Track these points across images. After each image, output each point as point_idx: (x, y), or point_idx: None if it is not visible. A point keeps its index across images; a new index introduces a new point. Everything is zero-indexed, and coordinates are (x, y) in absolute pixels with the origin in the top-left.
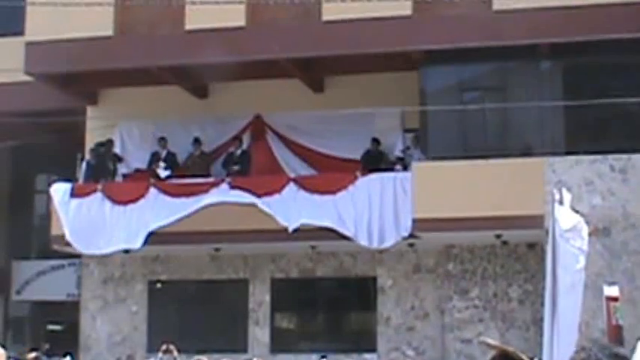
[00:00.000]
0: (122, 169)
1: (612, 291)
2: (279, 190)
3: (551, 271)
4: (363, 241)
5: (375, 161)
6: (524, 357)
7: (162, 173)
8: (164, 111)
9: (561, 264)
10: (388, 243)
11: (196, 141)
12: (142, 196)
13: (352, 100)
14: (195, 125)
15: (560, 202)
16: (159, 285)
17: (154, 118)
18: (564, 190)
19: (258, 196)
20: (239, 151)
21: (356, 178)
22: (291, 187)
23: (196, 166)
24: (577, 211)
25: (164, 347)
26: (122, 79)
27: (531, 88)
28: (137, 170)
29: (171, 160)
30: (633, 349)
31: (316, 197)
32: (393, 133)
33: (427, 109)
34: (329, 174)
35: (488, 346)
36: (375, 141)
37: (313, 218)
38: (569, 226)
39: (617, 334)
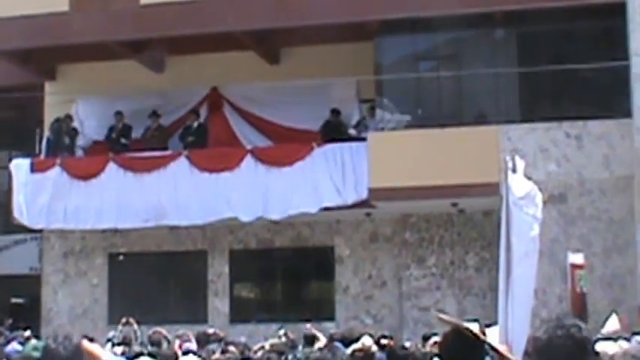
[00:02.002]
0: (81, 143)
1: (577, 258)
2: (237, 163)
3: (505, 239)
4: (321, 214)
5: (334, 132)
6: (478, 333)
7: (119, 145)
8: (122, 85)
9: (515, 232)
10: (346, 214)
11: (154, 114)
12: (102, 170)
13: (308, 71)
14: (153, 99)
15: (514, 170)
16: (121, 258)
17: (111, 92)
18: (517, 158)
19: (217, 171)
20: (196, 124)
21: (312, 148)
22: (249, 162)
23: (154, 139)
24: (530, 179)
25: (124, 320)
26: (79, 54)
27: (486, 57)
28: (95, 142)
29: (127, 134)
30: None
31: (273, 171)
32: (349, 103)
33: (382, 78)
34: (286, 145)
35: (442, 321)
36: (335, 111)
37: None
38: (522, 194)
39: (580, 301)
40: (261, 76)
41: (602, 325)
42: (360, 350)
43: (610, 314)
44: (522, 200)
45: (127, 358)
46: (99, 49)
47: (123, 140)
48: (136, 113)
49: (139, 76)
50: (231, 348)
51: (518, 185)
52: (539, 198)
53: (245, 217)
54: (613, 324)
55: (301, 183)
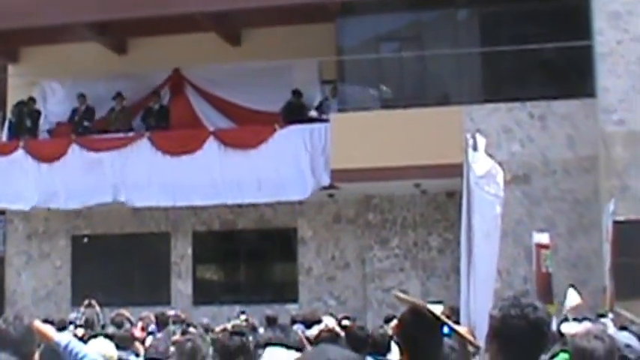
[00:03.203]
0: (45, 125)
1: (542, 238)
2: (199, 145)
3: (467, 219)
4: (284, 196)
5: (296, 113)
6: (436, 313)
7: (82, 126)
8: (85, 68)
9: (477, 211)
10: (309, 195)
11: (118, 96)
12: (65, 152)
13: (270, 52)
14: (116, 81)
15: (475, 148)
16: (85, 240)
17: (75, 75)
18: (478, 136)
19: (179, 153)
20: (157, 106)
21: (275, 130)
22: (212, 144)
23: (118, 121)
24: (491, 156)
25: (86, 302)
26: (42, 36)
27: (448, 38)
28: (59, 124)
29: (90, 115)
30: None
31: (236, 154)
32: (311, 84)
33: (344, 59)
34: (248, 127)
35: (400, 301)
36: (296, 93)
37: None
38: (483, 172)
39: (546, 281)
40: (223, 58)
41: (563, 302)
42: (327, 330)
43: (567, 289)
44: (483, 179)
45: (82, 339)
46: (62, 31)
47: (85, 122)
48: (99, 95)
49: (102, 59)
50: (192, 329)
51: (480, 164)
52: (500, 177)
53: (208, 201)
54: (574, 299)
55: (265, 166)
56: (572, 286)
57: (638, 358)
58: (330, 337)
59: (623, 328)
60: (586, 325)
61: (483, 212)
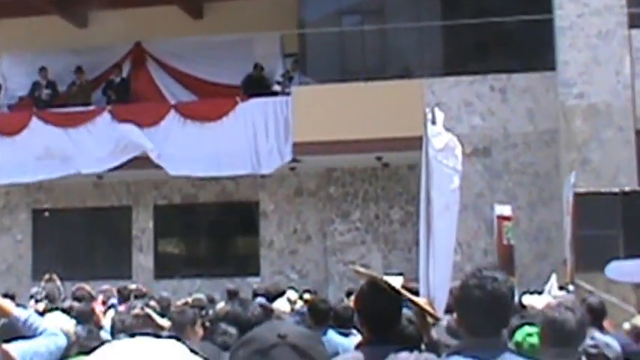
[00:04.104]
0: (5, 99)
1: (504, 210)
2: (161, 118)
3: (425, 193)
4: (246, 169)
5: (257, 86)
6: (394, 286)
7: (44, 98)
8: (46, 41)
9: (435, 185)
10: (271, 168)
11: (78, 70)
12: (25, 125)
13: (232, 26)
14: (77, 54)
15: (433, 122)
16: (46, 213)
17: (36, 48)
18: (437, 110)
19: (141, 126)
20: (118, 79)
21: (236, 103)
22: (174, 117)
23: (79, 94)
24: (450, 130)
25: (47, 276)
26: (2, 9)
27: (410, 11)
28: (21, 98)
29: (52, 89)
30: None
31: (197, 126)
32: (273, 58)
33: (306, 32)
34: (209, 100)
35: (358, 274)
36: (257, 66)
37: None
38: (441, 146)
39: (507, 253)
40: (185, 31)
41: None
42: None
43: (550, 274)
44: (442, 152)
45: (38, 313)
46: (22, 3)
47: (46, 95)
48: (60, 69)
49: (63, 32)
50: (152, 303)
51: (438, 138)
52: (458, 150)
53: (172, 172)
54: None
55: (226, 139)
56: (554, 271)
57: (617, 357)
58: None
59: (583, 300)
60: (546, 298)
61: (442, 185)
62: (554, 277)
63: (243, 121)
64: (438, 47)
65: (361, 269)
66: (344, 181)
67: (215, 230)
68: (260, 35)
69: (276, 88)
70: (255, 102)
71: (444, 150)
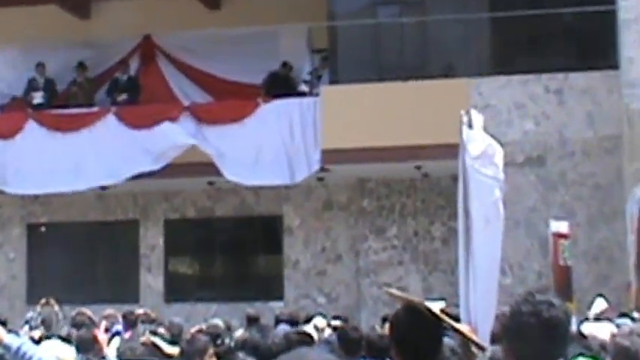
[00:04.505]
0: None
1: (560, 226)
2: (172, 121)
3: (463, 205)
4: (268, 179)
5: (281, 86)
6: (434, 311)
7: (37, 100)
8: (43, 34)
9: (473, 196)
10: (297, 178)
11: (80, 66)
12: (20, 129)
13: (253, 17)
14: (78, 49)
15: (470, 126)
16: (42, 229)
17: (31, 42)
18: (473, 112)
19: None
20: (125, 77)
21: (257, 105)
22: (187, 120)
23: (80, 94)
24: (494, 136)
25: (43, 300)
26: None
27: (454, 2)
28: (14, 98)
29: (49, 88)
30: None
31: (213, 130)
32: (300, 54)
33: (336, 24)
34: (227, 101)
35: (394, 297)
36: (286, 65)
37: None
38: (478, 152)
39: (564, 276)
40: (200, 23)
41: (589, 308)
42: (297, 333)
43: (595, 298)
44: (478, 160)
45: (33, 341)
46: None
47: (42, 96)
48: (59, 65)
49: (63, 24)
50: (162, 330)
51: (475, 143)
52: (499, 157)
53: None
54: (601, 305)
55: (247, 145)
56: (601, 295)
57: None
58: (301, 340)
59: None
60: (610, 326)
61: (481, 197)
62: (599, 302)
63: (265, 126)
64: (485, 42)
65: (397, 292)
66: (379, 194)
67: (233, 248)
68: (285, 28)
69: (303, 87)
70: (279, 103)
71: (481, 157)
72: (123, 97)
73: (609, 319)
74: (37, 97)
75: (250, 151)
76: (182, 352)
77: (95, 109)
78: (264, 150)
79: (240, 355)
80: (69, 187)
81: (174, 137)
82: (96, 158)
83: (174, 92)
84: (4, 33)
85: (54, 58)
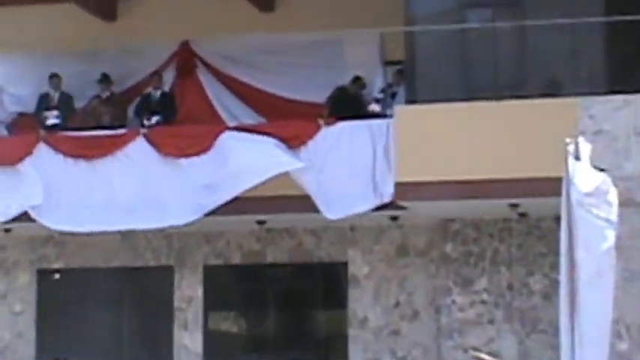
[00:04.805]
0: (1, 116)
1: None
2: (212, 144)
3: (568, 253)
4: (330, 213)
5: (347, 105)
6: None
7: (51, 121)
8: (59, 38)
9: (581, 242)
10: (359, 209)
11: (104, 78)
12: (28, 154)
13: (313, 21)
14: (102, 58)
15: (577, 157)
16: (57, 275)
17: (44, 48)
18: (582, 140)
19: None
20: (159, 93)
21: (318, 127)
22: (230, 144)
23: (104, 112)
24: (603, 170)
25: None
26: None
27: (559, 3)
28: (21, 115)
29: (66, 105)
30: None
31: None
32: (370, 65)
33: (416, 29)
34: (281, 122)
35: None
36: (357, 80)
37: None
38: (589, 189)
39: None
40: (250, 28)
41: None
42: None
43: None
44: (589, 198)
45: None
46: None
47: (57, 115)
48: (78, 77)
49: (83, 26)
50: None
51: (584, 177)
52: (613, 194)
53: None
54: None
55: (304, 176)
56: None
57: None
58: None
59: None
60: None
61: (591, 243)
62: None
63: (328, 153)
64: (598, 53)
65: (487, 357)
66: (465, 237)
67: (287, 301)
68: (352, 34)
69: (374, 107)
70: (345, 126)
71: (591, 195)
72: (154, 120)
73: None
74: (51, 117)
75: (308, 184)
76: None
77: (122, 130)
78: (324, 183)
79: None
80: (86, 228)
81: (259, 159)
82: (122, 193)
83: (217, 110)
84: (10, 36)
85: (72, 68)
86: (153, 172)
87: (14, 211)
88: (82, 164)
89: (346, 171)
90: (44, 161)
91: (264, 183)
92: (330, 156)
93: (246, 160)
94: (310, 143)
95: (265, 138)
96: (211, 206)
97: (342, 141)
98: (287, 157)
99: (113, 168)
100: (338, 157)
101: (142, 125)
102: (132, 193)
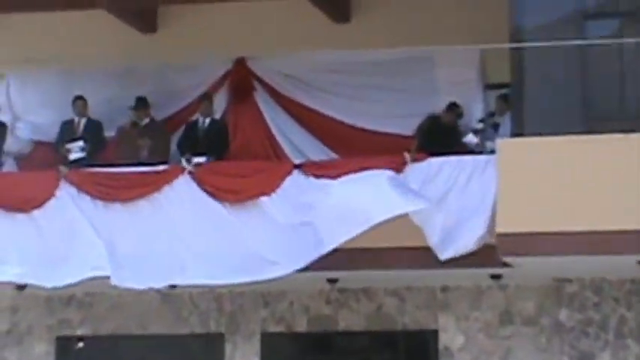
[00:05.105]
0: (13, 146)
1: None
2: (277, 185)
3: None
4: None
5: (440, 137)
6: None
7: (74, 155)
8: (85, 53)
9: None
10: (452, 251)
11: (141, 103)
12: (50, 195)
13: (398, 35)
14: (137, 77)
15: None
16: (80, 344)
17: (67, 64)
18: None
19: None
20: (207, 120)
21: (404, 164)
22: (297, 184)
23: (140, 144)
24: None
25: None
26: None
27: None
28: (39, 144)
29: (93, 134)
30: None
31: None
32: (467, 90)
33: (524, 46)
34: (358, 158)
35: None
36: (453, 107)
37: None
38: None
39: None
40: (319, 42)
41: None
42: None
43: None
44: None
45: None
46: None
47: (82, 147)
48: (109, 100)
49: (116, 40)
50: None
51: None
52: None
53: (288, 270)
54: None
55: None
56: None
57: None
58: None
59: None
60: None
61: None
62: None
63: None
64: None
65: None
66: (583, 302)
67: None
68: (444, 52)
69: (471, 139)
70: (436, 163)
71: None
72: (200, 160)
73: None
74: (75, 149)
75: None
76: None
77: (163, 167)
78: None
79: None
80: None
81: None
82: (164, 243)
83: (280, 143)
84: (27, 50)
85: (101, 89)
86: (195, 217)
87: (72, 279)
88: (117, 207)
89: (437, 216)
90: (68, 204)
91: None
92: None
93: (354, 200)
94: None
95: (375, 171)
96: (315, 256)
97: (432, 180)
98: (406, 195)
99: (150, 211)
100: (426, 199)
101: (188, 159)
102: (170, 244)
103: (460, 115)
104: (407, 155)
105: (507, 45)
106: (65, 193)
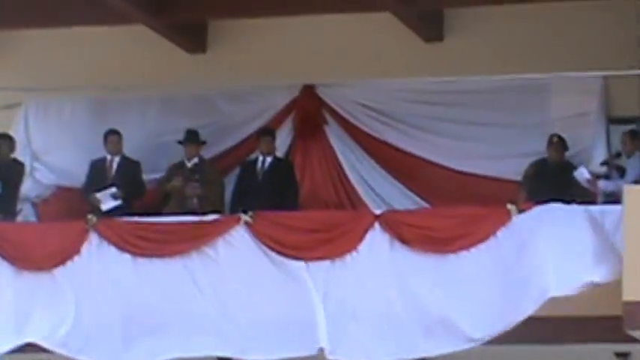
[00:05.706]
0: (32, 191)
1: None
2: (359, 239)
3: None
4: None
5: (551, 181)
6: None
7: (107, 204)
8: (120, 77)
9: None
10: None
11: (191, 136)
12: (76, 250)
13: (500, 57)
14: (184, 106)
15: None
16: None
17: (97, 90)
18: None
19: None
20: (269, 160)
21: (508, 216)
22: (379, 240)
23: (188, 189)
24: None
25: None
26: (41, 16)
27: None
28: (62, 189)
29: (130, 177)
30: None
31: (428, 262)
32: (584, 122)
33: None
34: (451, 210)
35: None
36: (553, 138)
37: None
38: None
39: None
40: (406, 66)
41: None
42: None
43: None
44: None
45: None
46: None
47: (115, 194)
48: (149, 135)
49: (158, 62)
50: None
51: None
52: None
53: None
54: None
55: (488, 288)
56: None
57: None
58: None
59: None
60: None
61: None
62: None
63: (522, 253)
64: None
65: None
66: None
67: None
68: (558, 79)
69: (581, 173)
70: (545, 212)
71: None
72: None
73: None
74: (107, 198)
75: (493, 297)
76: None
77: (214, 216)
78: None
79: None
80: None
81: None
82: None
83: (356, 189)
84: (47, 72)
85: (138, 121)
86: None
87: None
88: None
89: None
90: (99, 261)
91: None
92: (525, 257)
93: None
94: (495, 238)
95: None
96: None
97: (540, 233)
98: None
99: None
100: (537, 260)
101: (245, 208)
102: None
103: (565, 148)
104: (512, 206)
105: (637, 72)
106: (93, 245)
